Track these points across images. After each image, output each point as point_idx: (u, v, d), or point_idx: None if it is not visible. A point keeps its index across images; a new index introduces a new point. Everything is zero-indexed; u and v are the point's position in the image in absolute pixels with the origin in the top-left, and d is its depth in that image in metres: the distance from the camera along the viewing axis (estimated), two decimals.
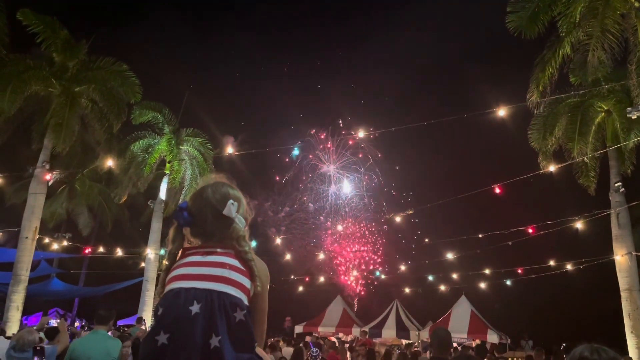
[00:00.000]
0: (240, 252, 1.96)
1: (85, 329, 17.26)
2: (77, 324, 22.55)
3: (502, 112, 12.29)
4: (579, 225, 16.97)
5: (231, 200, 2.00)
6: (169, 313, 1.78)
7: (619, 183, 15.15)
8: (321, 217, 36.30)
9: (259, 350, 1.91)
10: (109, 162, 17.83)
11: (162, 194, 20.60)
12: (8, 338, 8.15)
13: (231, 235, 1.98)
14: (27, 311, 17.32)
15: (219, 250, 1.94)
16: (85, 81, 16.75)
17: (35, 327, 7.95)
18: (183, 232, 2.05)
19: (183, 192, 20.29)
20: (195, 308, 1.76)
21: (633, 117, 12.59)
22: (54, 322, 7.68)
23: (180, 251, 2.01)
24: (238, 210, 2.03)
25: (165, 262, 2.04)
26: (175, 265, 1.95)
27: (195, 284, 1.82)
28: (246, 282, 1.91)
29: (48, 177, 16.20)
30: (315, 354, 9.30)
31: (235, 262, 1.92)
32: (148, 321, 17.25)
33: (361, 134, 13.69)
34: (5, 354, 6.26)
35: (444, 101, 39.78)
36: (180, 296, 1.80)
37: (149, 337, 1.77)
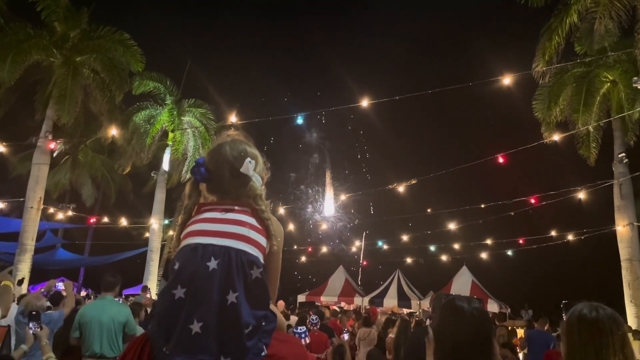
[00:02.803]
0: (257, 210, 1.95)
1: (91, 297, 17.49)
2: (83, 293, 22.85)
3: (507, 80, 12.20)
4: (582, 195, 17.01)
5: (249, 158, 1.99)
6: (186, 268, 1.79)
7: (623, 154, 15.12)
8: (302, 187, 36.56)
9: (272, 307, 1.94)
10: (112, 132, 17.76)
11: (165, 165, 20.63)
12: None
13: (248, 193, 1.97)
14: (33, 281, 17.55)
15: (236, 208, 1.94)
16: (87, 51, 16.52)
17: (42, 290, 8.05)
18: (199, 188, 2.04)
19: (186, 163, 20.28)
20: (212, 264, 1.76)
21: (639, 87, 12.51)
22: (60, 286, 7.76)
23: (196, 207, 2.00)
24: (255, 169, 2.02)
25: (180, 216, 2.03)
26: (191, 220, 1.95)
27: (213, 240, 1.82)
28: (262, 240, 1.92)
29: (52, 145, 16.18)
30: (314, 321, 9.53)
31: (252, 221, 1.92)
32: (153, 290, 17.49)
33: (365, 102, 13.58)
34: (14, 319, 6.36)
35: (449, 70, 39.50)
36: (198, 252, 1.80)
37: (167, 291, 1.77)
